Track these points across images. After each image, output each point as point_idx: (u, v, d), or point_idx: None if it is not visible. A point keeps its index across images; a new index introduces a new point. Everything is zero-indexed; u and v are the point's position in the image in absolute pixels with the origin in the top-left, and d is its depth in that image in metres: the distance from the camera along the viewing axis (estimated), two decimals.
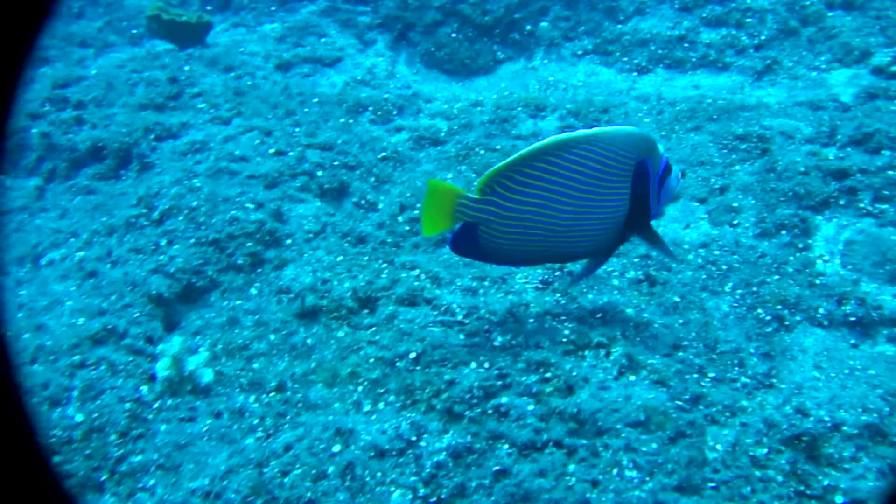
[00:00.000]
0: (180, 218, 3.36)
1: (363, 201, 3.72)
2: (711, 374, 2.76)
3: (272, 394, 2.70)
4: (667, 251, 2.79)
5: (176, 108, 4.20)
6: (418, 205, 3.70)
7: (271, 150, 3.81)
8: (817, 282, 3.25)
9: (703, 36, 4.70)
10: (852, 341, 3.05)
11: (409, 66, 4.96)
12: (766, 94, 4.44)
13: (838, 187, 3.61)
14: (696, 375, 2.74)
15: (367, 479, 2.37)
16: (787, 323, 3.09)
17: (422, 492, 2.29)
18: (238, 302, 3.12)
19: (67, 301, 3.09)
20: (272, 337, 2.95)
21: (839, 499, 2.23)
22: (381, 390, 2.66)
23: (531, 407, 2.48)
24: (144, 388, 2.66)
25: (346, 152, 3.95)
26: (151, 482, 2.45)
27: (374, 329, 2.90)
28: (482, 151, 4.05)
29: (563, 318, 2.89)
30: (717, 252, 3.39)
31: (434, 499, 2.28)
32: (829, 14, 4.62)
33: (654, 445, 2.34)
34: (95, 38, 5.33)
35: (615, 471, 2.28)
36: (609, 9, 4.81)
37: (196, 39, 4.82)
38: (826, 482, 2.25)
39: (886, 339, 3.05)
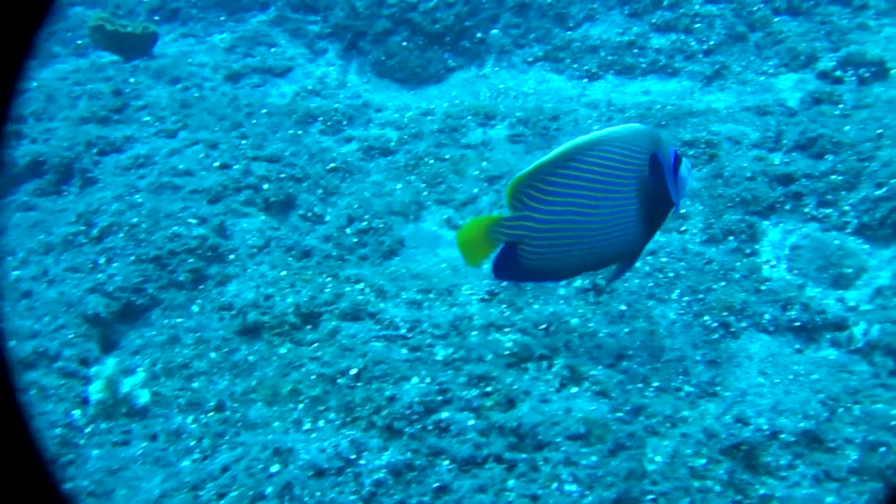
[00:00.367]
0: (120, 235, 3.29)
1: (310, 214, 3.68)
2: (655, 384, 2.76)
3: (211, 413, 2.65)
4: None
5: (120, 121, 4.13)
6: (366, 216, 3.67)
7: (216, 164, 3.75)
8: (763, 287, 3.26)
9: (653, 41, 4.72)
10: (797, 346, 3.07)
11: (359, 75, 4.92)
12: (716, 100, 4.47)
13: (784, 192, 3.63)
14: (639, 385, 2.73)
15: (306, 498, 2.33)
16: (732, 329, 3.10)
17: None
18: (179, 319, 3.07)
19: None
20: (213, 355, 2.90)
21: None
22: (322, 407, 2.62)
23: (472, 422, 2.46)
24: (77, 413, 2.59)
25: (294, 164, 3.91)
26: None
27: (316, 345, 2.86)
28: (431, 161, 4.02)
29: (506, 329, 2.87)
30: (664, 259, 3.39)
31: None
32: (776, 19, 4.66)
33: (594, 458, 2.32)
34: (39, 49, 5.23)
35: (555, 485, 2.26)
36: (559, 15, 4.82)
37: (142, 50, 4.74)
38: (762, 491, 2.25)
39: (829, 344, 3.06)
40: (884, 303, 3.11)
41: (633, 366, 2.80)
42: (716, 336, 3.06)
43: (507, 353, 2.70)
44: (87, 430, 2.57)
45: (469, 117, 4.31)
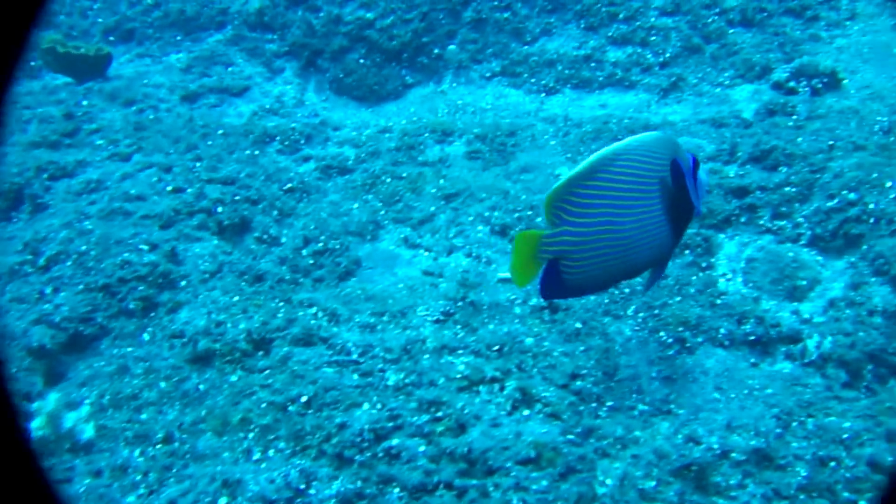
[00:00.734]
0: (68, 263, 3.24)
1: (265, 236, 3.64)
2: (609, 403, 2.75)
3: (159, 446, 2.60)
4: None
5: (72, 145, 4.07)
6: (322, 237, 3.64)
7: (169, 188, 3.71)
8: (718, 301, 3.26)
9: (610, 55, 4.73)
10: (752, 360, 3.07)
11: (318, 94, 4.89)
12: (672, 112, 4.49)
13: (739, 205, 3.65)
14: (593, 405, 2.72)
15: None
16: (688, 345, 3.10)
17: None
18: (129, 349, 3.01)
19: None
20: (163, 384, 2.85)
21: None
22: (272, 436, 2.58)
23: (422, 448, 2.43)
24: None
25: (249, 185, 3.87)
26: None
27: (267, 372, 2.82)
28: (388, 179, 4.00)
29: (460, 351, 2.85)
30: None
31: None
32: (731, 31, 4.70)
33: (545, 483, 2.30)
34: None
35: None
36: (516, 30, 4.82)
37: (96, 72, 4.69)
38: None
39: (784, 357, 3.07)
40: (836, 314, 3.12)
41: (587, 385, 2.79)
42: (671, 352, 3.06)
43: (458, 376, 2.68)
44: None
45: (427, 134, 4.29)
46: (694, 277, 3.39)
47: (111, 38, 5.15)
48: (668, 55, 4.68)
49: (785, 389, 2.90)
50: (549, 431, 2.47)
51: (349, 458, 2.44)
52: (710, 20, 4.72)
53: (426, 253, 3.63)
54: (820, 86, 4.19)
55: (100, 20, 5.29)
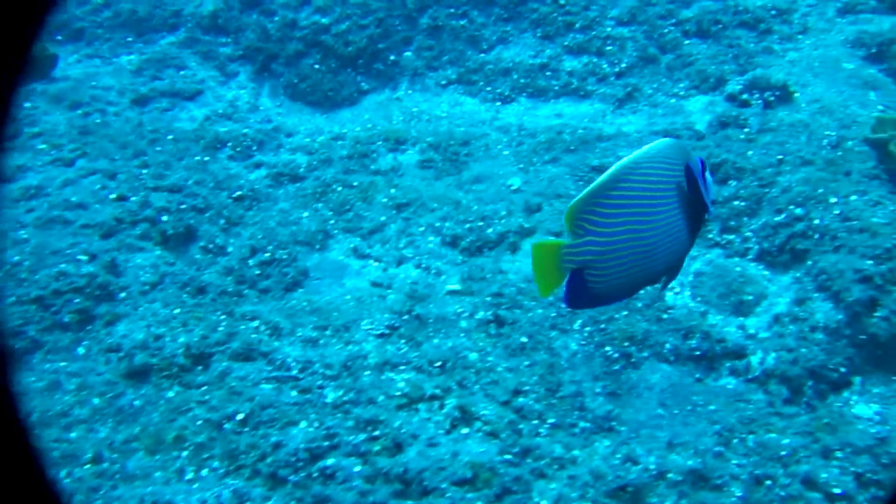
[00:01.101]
0: None
1: (211, 246, 3.57)
2: (551, 420, 2.72)
3: (86, 466, 2.53)
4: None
5: (12, 149, 3.96)
6: (269, 247, 3.58)
7: (112, 196, 3.62)
8: (665, 316, 3.26)
9: (566, 64, 4.72)
10: (697, 375, 3.07)
11: (272, 99, 4.82)
12: (627, 122, 4.48)
13: None
14: (534, 422, 2.70)
15: None
16: (633, 360, 3.09)
17: None
18: (62, 363, 2.93)
19: None
20: (96, 401, 2.78)
21: None
22: (206, 455, 2.53)
23: (358, 468, 2.39)
24: None
25: (197, 194, 3.79)
26: None
27: (205, 388, 2.76)
28: (339, 188, 3.95)
29: (401, 368, 2.81)
30: None
31: None
32: (686, 42, 4.70)
33: None
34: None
35: None
36: (472, 38, 4.79)
37: (40, 73, 4.57)
38: None
39: (729, 372, 3.07)
40: (780, 330, 3.13)
41: (528, 402, 2.76)
42: (617, 367, 3.05)
43: (398, 394, 2.64)
44: None
45: (380, 142, 4.25)
46: (642, 292, 3.38)
47: (58, 38, 5.03)
48: (623, 65, 4.67)
49: (728, 406, 2.90)
50: (487, 451, 2.44)
51: (283, 478, 2.40)
52: (666, 31, 4.72)
53: (375, 263, 3.58)
54: (772, 98, 4.21)
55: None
